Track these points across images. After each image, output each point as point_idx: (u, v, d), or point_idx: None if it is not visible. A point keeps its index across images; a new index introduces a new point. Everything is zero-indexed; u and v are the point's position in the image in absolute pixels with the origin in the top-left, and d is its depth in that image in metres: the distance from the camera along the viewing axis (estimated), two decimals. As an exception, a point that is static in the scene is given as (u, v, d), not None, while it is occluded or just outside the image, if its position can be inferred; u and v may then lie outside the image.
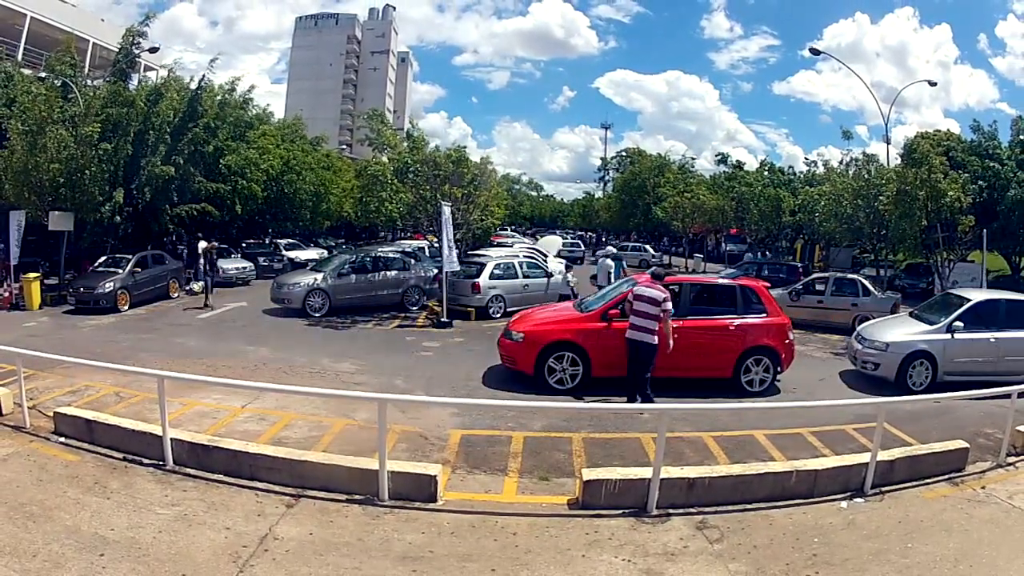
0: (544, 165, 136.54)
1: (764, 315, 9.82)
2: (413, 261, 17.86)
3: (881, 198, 15.69)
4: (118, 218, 17.72)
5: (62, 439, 6.50)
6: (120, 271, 16.08)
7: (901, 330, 10.77)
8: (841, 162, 24.62)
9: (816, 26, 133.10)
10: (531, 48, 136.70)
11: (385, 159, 18.22)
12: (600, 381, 9.18)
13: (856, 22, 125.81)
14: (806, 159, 38.39)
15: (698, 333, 9.39)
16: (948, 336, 10.17)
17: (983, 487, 6.14)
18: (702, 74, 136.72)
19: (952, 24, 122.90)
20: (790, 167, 36.04)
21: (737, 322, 9.67)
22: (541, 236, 44.57)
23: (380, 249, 19.95)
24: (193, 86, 21.13)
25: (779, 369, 9.81)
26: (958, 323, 10.19)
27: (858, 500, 5.73)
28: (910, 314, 11.94)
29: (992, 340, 10.13)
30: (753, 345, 9.60)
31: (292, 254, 26.83)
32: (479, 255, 19.19)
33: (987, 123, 23.46)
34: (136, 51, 20.39)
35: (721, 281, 11.42)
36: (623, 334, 8.55)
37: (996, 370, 9.85)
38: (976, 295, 11.18)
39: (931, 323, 10.62)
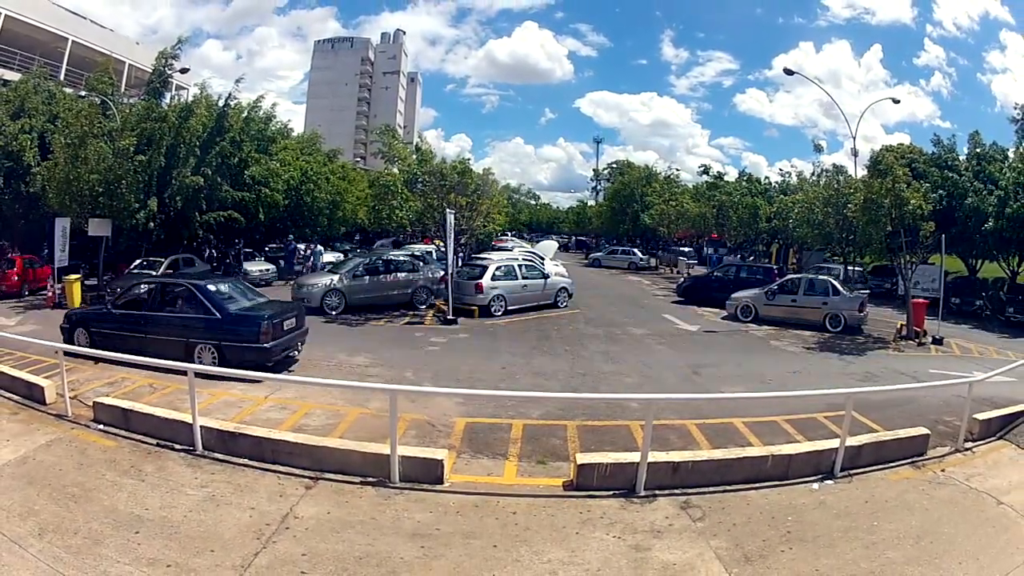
0: (533, 176, 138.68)
1: None
2: (422, 263, 17.86)
3: (850, 206, 15.66)
4: (152, 224, 17.70)
5: (101, 426, 6.51)
6: (154, 273, 16.09)
7: None
8: (813, 173, 24.69)
9: (766, 53, 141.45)
10: (516, 76, 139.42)
11: (396, 170, 18.20)
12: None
13: (802, 50, 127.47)
14: (780, 170, 38.59)
15: None
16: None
17: (943, 470, 6.14)
18: (671, 95, 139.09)
19: (884, 49, 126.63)
20: (766, 178, 36.05)
21: None
22: (538, 241, 44.46)
23: (391, 252, 19.94)
24: (220, 104, 21.12)
25: None
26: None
27: (828, 482, 5.73)
28: None
29: None
30: None
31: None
32: (482, 258, 19.16)
33: (931, 137, 23.73)
34: (168, 72, 20.38)
35: None
36: None
37: None
38: None
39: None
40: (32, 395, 7.34)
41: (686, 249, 39.01)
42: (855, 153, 21.32)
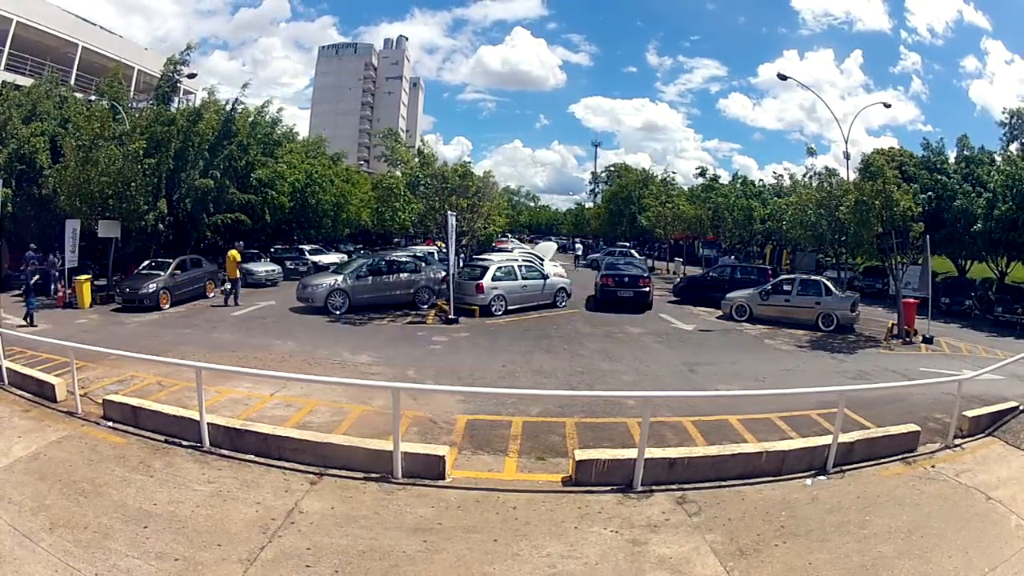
0: (530, 179, 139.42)
1: None
2: (424, 264, 17.85)
3: (841, 208, 15.65)
4: (160, 226, 17.69)
5: (110, 423, 6.50)
6: (162, 273, 16.06)
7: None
8: (805, 175, 24.71)
9: (752, 60, 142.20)
10: (511, 83, 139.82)
11: (399, 173, 18.21)
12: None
13: (786, 58, 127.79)
14: (774, 173, 38.75)
15: None
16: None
17: (933, 466, 6.13)
18: (662, 100, 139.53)
19: (864, 56, 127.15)
20: (760, 180, 36.03)
21: None
22: (537, 242, 44.45)
23: (394, 253, 19.95)
24: (228, 108, 21.12)
25: None
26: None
27: (821, 478, 5.72)
28: None
29: None
30: None
31: (315, 258, 26.86)
32: (482, 259, 19.14)
33: (921, 141, 23.78)
34: (177, 77, 20.38)
35: None
36: None
37: None
38: None
39: None
40: (43, 393, 7.33)
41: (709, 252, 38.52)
42: (847, 156, 21.39)
